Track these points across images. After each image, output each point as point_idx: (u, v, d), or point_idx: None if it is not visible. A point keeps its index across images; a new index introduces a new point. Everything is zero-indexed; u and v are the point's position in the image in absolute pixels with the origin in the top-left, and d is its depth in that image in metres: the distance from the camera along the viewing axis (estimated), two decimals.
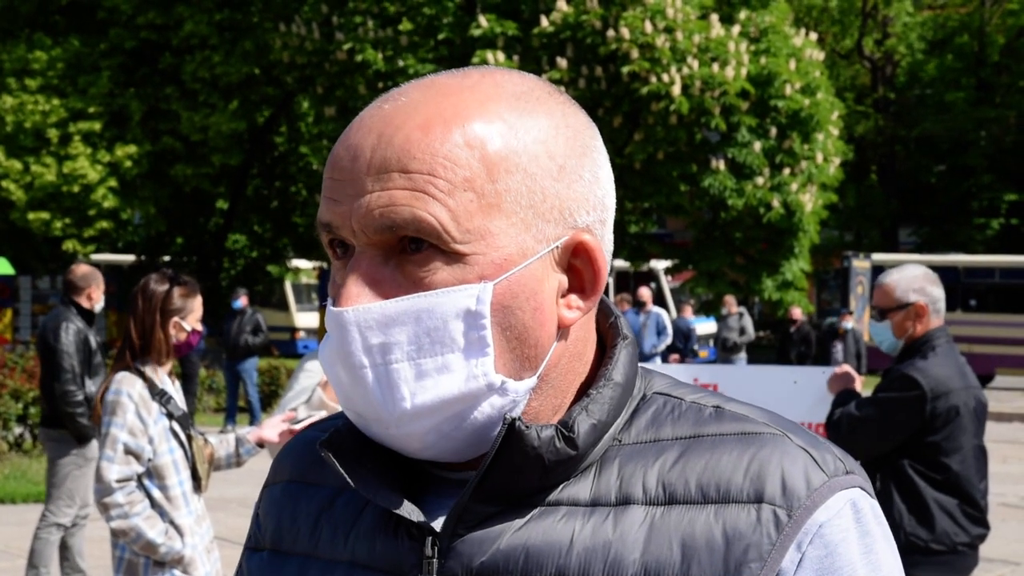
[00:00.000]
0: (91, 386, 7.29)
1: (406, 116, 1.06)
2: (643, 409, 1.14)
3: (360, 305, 1.05)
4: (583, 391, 1.14)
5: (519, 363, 1.08)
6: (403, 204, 1.03)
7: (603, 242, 1.12)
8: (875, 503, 1.09)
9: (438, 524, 1.10)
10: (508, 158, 1.06)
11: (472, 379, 1.06)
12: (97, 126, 23.57)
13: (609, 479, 1.09)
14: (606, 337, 1.19)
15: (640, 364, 1.20)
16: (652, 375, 1.19)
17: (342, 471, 1.11)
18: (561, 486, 1.09)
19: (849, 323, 18.96)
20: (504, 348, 1.07)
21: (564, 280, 1.11)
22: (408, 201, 1.03)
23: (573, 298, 1.11)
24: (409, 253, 1.05)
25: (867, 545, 1.06)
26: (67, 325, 7.26)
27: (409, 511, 1.09)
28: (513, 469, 1.07)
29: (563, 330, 1.11)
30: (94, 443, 7.32)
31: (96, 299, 7.39)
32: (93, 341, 7.39)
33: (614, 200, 1.16)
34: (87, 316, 7.39)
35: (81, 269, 7.47)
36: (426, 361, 1.05)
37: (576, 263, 1.11)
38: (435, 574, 1.08)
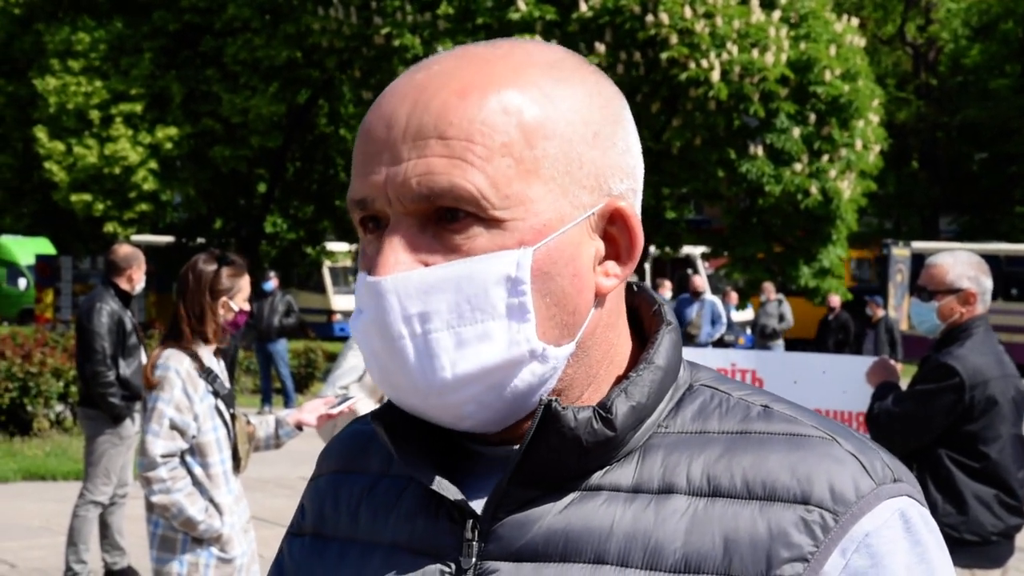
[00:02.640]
0: (125, 367, 7.33)
1: (441, 83, 1.05)
2: (689, 400, 1.13)
3: (399, 273, 1.04)
4: (624, 373, 1.14)
5: (558, 330, 1.07)
6: (441, 172, 1.03)
7: (636, 211, 1.13)
8: (925, 511, 1.07)
9: (478, 506, 1.09)
10: (545, 124, 1.05)
11: (514, 345, 1.05)
12: (138, 108, 23.73)
13: (652, 467, 1.08)
14: (649, 324, 1.18)
15: (686, 358, 1.19)
16: (698, 368, 1.18)
17: (388, 442, 1.13)
18: (603, 471, 1.09)
19: (879, 312, 18.81)
20: (544, 314, 1.06)
21: (601, 247, 1.10)
22: (446, 169, 1.03)
23: (610, 265, 1.11)
24: (447, 221, 1.04)
25: (919, 555, 1.04)
26: (101, 307, 7.30)
27: (450, 491, 1.09)
28: (551, 451, 1.06)
29: (599, 298, 1.11)
30: (128, 422, 7.40)
31: (137, 280, 7.42)
32: (128, 323, 7.42)
33: (643, 172, 1.15)
34: (124, 297, 7.42)
35: (124, 250, 7.51)
36: (466, 329, 1.04)
37: (612, 230, 1.10)
38: (475, 557, 1.08)
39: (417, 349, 1.05)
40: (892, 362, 5.05)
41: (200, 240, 27.85)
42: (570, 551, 1.06)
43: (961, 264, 4.54)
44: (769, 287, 20.07)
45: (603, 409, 1.07)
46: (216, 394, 4.41)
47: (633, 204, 1.12)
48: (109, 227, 23.98)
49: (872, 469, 1.06)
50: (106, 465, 7.39)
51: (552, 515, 1.07)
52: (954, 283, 4.51)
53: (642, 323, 1.20)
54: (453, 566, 1.09)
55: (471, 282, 1.04)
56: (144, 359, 7.48)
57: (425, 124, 1.04)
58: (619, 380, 1.13)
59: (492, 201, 1.03)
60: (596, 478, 1.08)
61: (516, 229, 1.04)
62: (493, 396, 1.07)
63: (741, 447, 1.08)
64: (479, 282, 1.04)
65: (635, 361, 1.15)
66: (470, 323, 1.04)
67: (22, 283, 30.24)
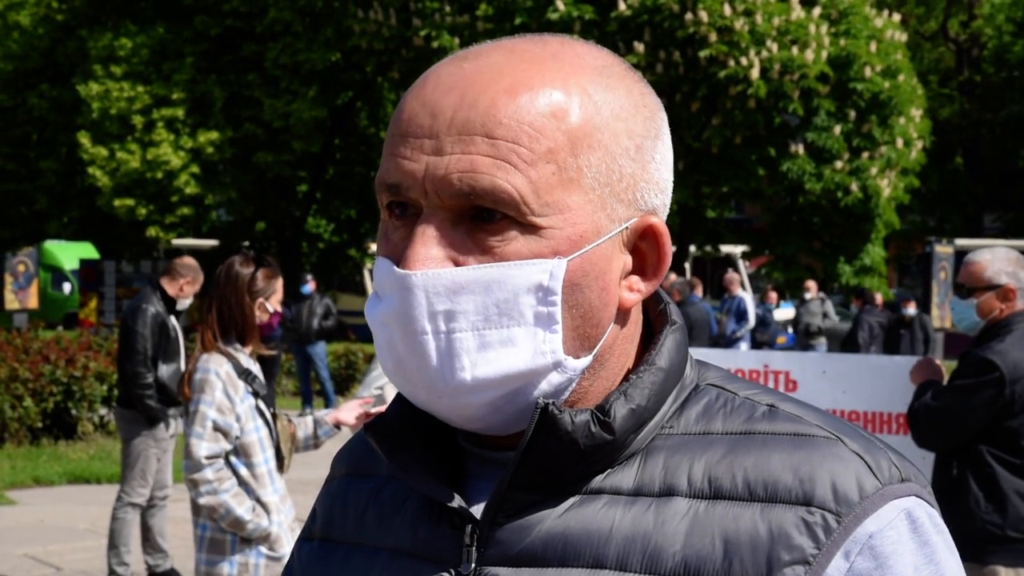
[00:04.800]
0: (163, 370, 7.36)
1: (490, 79, 1.03)
2: (694, 400, 1.12)
3: (430, 270, 1.02)
4: (627, 376, 1.12)
5: (579, 342, 1.06)
6: (484, 172, 1.00)
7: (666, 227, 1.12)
8: (933, 511, 1.05)
9: (478, 510, 1.08)
10: (591, 134, 1.04)
11: (539, 355, 1.03)
12: (180, 112, 23.97)
13: (654, 469, 1.06)
14: (655, 324, 1.16)
15: (696, 357, 1.18)
16: (707, 367, 1.17)
17: (382, 453, 1.12)
18: (604, 474, 1.07)
19: (912, 310, 18.55)
20: (569, 325, 1.05)
21: (629, 261, 1.09)
22: (490, 169, 1.00)
23: (635, 280, 1.10)
24: (483, 220, 1.02)
25: (926, 556, 1.01)
26: (146, 308, 7.31)
27: (448, 497, 1.08)
28: (549, 455, 1.04)
29: (621, 312, 1.09)
30: (163, 426, 7.42)
31: (187, 293, 7.38)
32: (171, 327, 7.43)
33: (672, 185, 1.14)
34: (169, 302, 7.44)
35: (188, 260, 7.58)
36: (491, 333, 1.03)
37: (642, 245, 1.09)
38: (474, 562, 1.07)
39: (439, 347, 1.03)
40: (937, 361, 5.00)
41: (244, 243, 28.04)
42: (569, 555, 1.04)
43: (999, 260, 4.52)
44: (812, 285, 19.92)
45: (601, 412, 1.05)
46: (256, 394, 4.45)
47: (664, 218, 1.11)
48: (152, 231, 24.23)
49: (878, 469, 1.03)
50: (142, 467, 7.41)
51: (551, 519, 1.06)
52: (992, 279, 4.49)
53: (650, 322, 1.18)
54: (453, 572, 1.08)
55: (502, 287, 1.02)
56: (184, 367, 7.49)
57: (472, 120, 1.01)
58: (622, 382, 1.11)
59: (532, 207, 1.01)
60: (597, 481, 1.07)
61: (552, 237, 1.02)
62: (506, 401, 1.05)
63: (744, 448, 1.06)
64: (510, 288, 1.02)
65: (639, 362, 1.13)
66: (496, 327, 1.03)
67: (67, 288, 30.56)
